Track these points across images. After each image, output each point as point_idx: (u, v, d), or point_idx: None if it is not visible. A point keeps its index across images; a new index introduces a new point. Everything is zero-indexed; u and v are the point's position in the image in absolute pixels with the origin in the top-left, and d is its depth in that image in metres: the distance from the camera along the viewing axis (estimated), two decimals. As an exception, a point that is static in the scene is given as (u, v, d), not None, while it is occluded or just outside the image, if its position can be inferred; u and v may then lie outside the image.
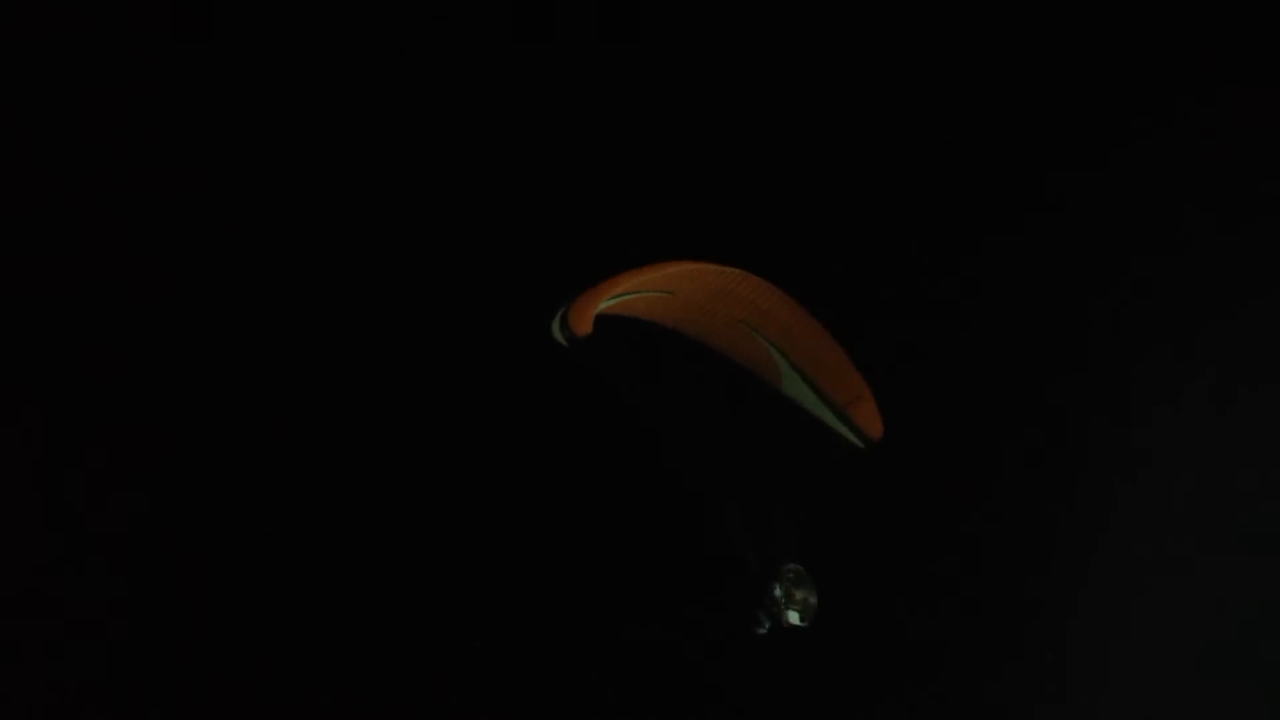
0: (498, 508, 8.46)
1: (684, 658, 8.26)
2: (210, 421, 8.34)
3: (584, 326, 7.45)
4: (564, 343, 7.52)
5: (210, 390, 8.37)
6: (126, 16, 8.44)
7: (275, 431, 8.33)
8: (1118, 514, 8.60)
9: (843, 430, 7.99)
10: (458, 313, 8.66)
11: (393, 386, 8.51)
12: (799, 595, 7.47)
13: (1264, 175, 8.74)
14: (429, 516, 8.41)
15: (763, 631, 7.44)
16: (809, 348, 8.02)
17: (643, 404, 7.71)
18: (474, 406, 8.57)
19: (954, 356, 8.85)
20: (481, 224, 8.74)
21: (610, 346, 7.55)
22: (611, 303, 7.58)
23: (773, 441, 7.94)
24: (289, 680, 8.11)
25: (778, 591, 7.47)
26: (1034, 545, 8.66)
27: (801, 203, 8.89)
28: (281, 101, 8.61)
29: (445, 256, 8.69)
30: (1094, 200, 8.80)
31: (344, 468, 8.46)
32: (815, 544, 7.61)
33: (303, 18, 8.57)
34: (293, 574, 8.22)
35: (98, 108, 8.47)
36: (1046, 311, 8.80)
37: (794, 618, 7.45)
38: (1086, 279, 8.79)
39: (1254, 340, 8.75)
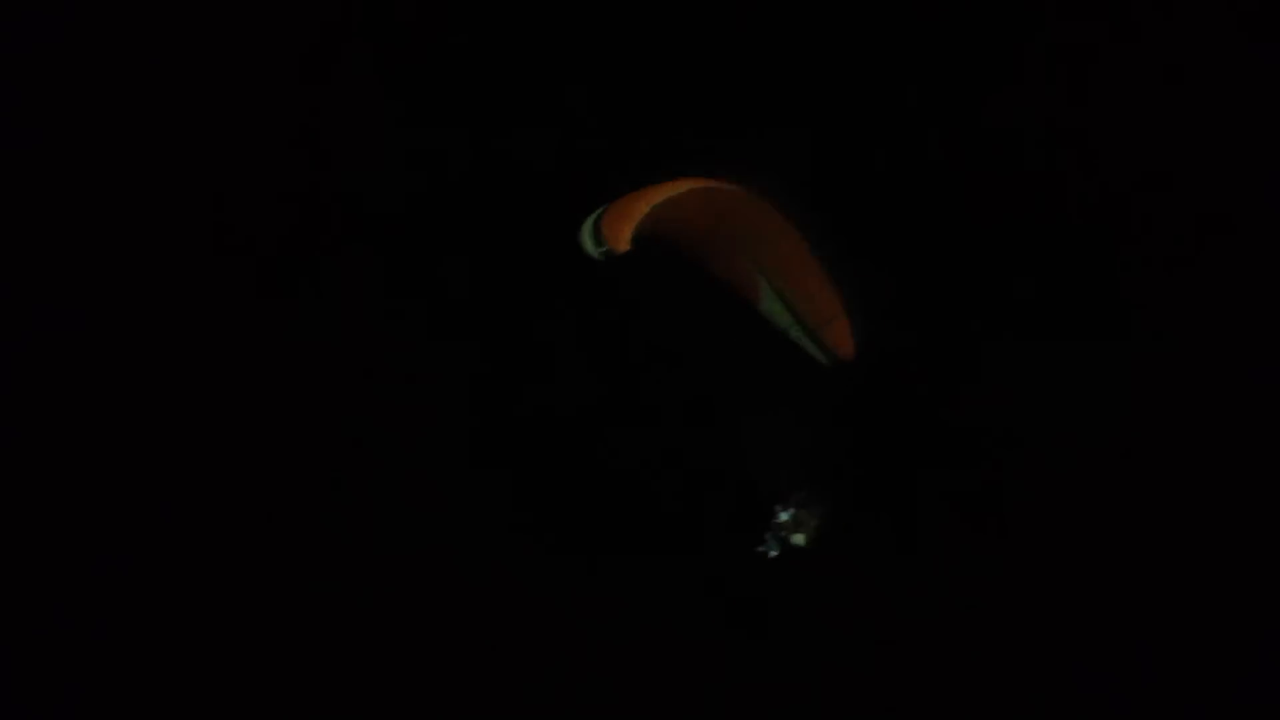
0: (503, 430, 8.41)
1: (695, 583, 8.41)
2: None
3: (622, 244, 7.42)
4: (598, 257, 7.46)
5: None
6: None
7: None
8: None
9: (811, 349, 8.26)
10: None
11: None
12: (805, 519, 7.77)
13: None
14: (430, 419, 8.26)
15: (773, 555, 7.71)
16: (790, 267, 8.23)
17: (652, 325, 7.76)
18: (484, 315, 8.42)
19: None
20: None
21: (637, 265, 7.53)
22: (643, 219, 7.55)
23: (756, 363, 8.14)
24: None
25: (784, 515, 7.75)
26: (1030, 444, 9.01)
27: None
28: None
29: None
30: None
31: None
32: (819, 467, 7.90)
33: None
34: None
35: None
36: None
37: (800, 540, 7.75)
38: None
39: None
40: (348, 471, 8.28)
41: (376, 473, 8.29)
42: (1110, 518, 8.77)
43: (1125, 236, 9.00)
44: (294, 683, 8.09)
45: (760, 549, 7.76)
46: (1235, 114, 8.94)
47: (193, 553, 8.17)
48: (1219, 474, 8.74)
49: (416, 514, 8.26)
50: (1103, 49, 8.87)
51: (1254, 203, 8.83)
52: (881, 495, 8.69)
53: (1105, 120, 8.92)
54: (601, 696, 8.21)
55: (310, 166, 8.36)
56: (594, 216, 7.57)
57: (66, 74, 8.28)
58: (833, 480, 7.99)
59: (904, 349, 8.96)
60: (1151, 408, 8.85)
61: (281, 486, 8.23)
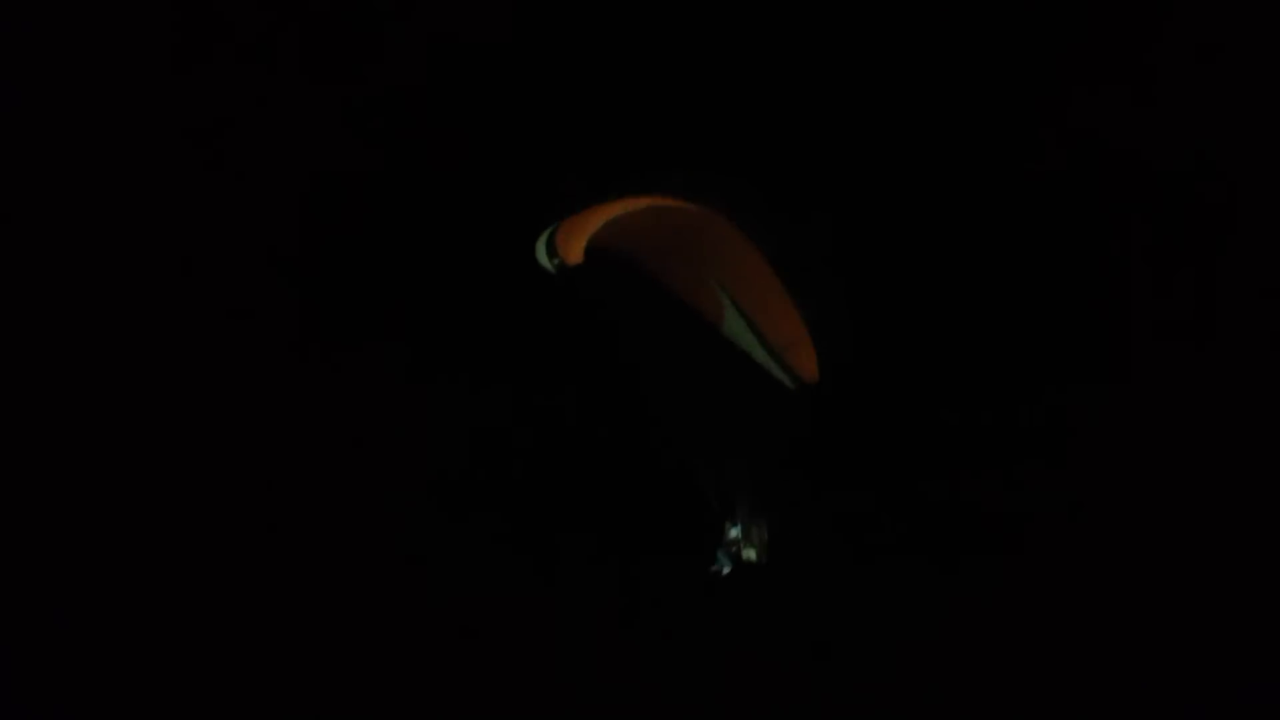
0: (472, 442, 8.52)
1: (648, 602, 8.45)
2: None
3: (575, 256, 7.51)
4: (551, 269, 7.55)
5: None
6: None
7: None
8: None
9: (775, 371, 8.30)
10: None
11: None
12: (755, 533, 7.78)
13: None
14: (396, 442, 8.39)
15: (725, 571, 7.72)
16: (755, 291, 8.30)
17: (604, 339, 7.83)
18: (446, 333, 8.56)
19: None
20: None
21: (591, 278, 7.61)
22: (599, 230, 7.64)
23: (718, 383, 8.18)
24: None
25: (734, 532, 7.76)
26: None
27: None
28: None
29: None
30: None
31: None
32: (770, 484, 7.91)
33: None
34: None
35: None
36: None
37: (751, 555, 7.75)
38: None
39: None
40: (310, 491, 8.40)
41: (323, 497, 8.39)
42: (1068, 534, 8.80)
43: (1101, 252, 9.05)
44: (273, 683, 8.18)
45: (713, 567, 7.78)
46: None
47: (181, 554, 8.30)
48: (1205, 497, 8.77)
49: (365, 537, 8.36)
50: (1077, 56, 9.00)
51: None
52: (838, 511, 8.72)
53: (1068, 139, 9.01)
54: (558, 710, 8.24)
55: (270, 184, 8.53)
56: (549, 231, 7.66)
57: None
58: (787, 496, 8.01)
59: (867, 372, 8.99)
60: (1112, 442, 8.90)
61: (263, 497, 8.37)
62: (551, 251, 7.59)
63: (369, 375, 8.49)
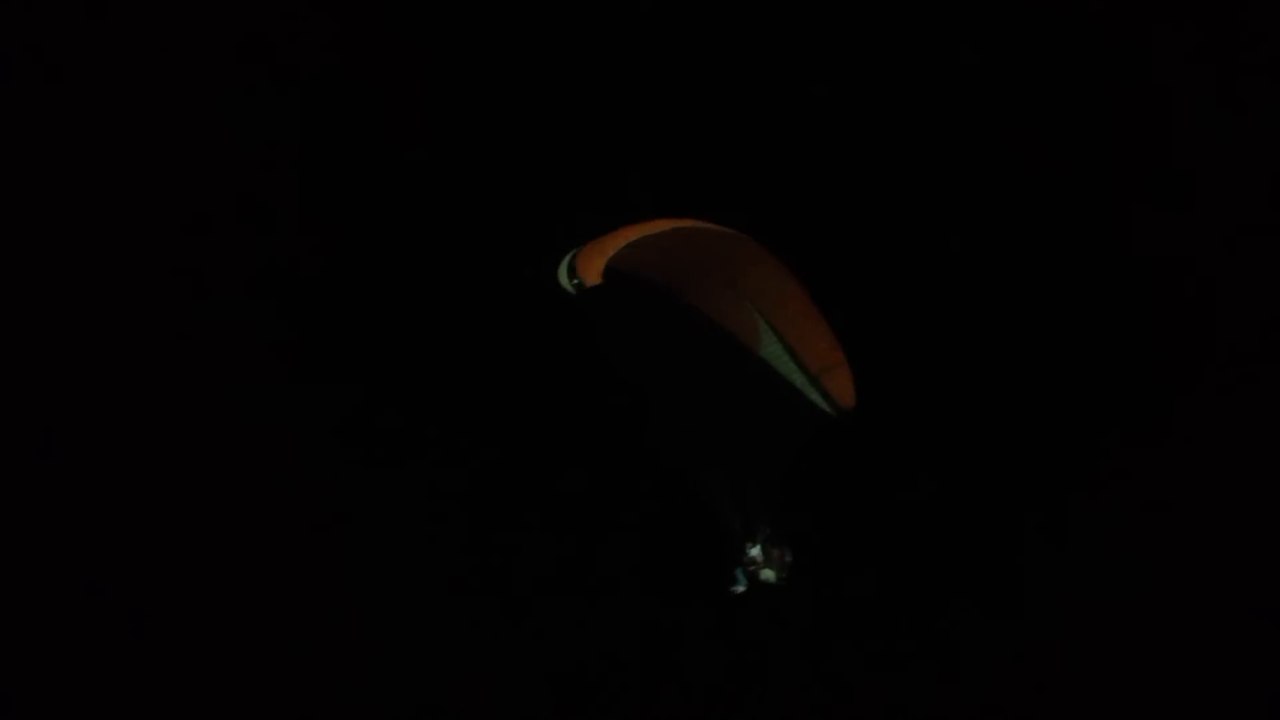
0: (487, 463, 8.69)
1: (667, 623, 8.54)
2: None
3: (594, 276, 7.63)
4: (571, 291, 7.68)
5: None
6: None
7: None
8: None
9: (814, 396, 8.30)
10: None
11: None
12: (775, 554, 7.78)
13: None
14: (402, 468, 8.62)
15: (741, 590, 7.74)
16: (791, 314, 8.31)
17: (633, 363, 7.91)
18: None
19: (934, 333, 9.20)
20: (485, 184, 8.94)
21: (613, 300, 7.72)
22: (617, 254, 7.74)
23: (752, 407, 8.20)
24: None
25: (755, 551, 7.78)
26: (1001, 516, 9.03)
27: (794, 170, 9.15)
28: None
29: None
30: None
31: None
32: (791, 507, 7.91)
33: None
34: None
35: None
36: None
37: (769, 576, 7.76)
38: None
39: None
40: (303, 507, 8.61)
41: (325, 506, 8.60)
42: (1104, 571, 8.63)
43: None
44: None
45: (731, 587, 7.80)
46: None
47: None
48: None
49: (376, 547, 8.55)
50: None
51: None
52: (865, 538, 8.68)
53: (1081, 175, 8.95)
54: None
55: (286, 201, 8.80)
56: (571, 253, 7.80)
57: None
58: (810, 519, 8.01)
59: (904, 399, 8.94)
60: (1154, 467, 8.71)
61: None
62: (572, 274, 7.73)
63: (385, 396, 8.71)
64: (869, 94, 9.14)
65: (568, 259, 7.80)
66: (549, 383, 8.79)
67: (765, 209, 8.89)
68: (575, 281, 7.69)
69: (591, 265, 7.72)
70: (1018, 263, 9.16)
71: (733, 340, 8.28)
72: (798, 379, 8.36)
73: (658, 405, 8.06)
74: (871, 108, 9.14)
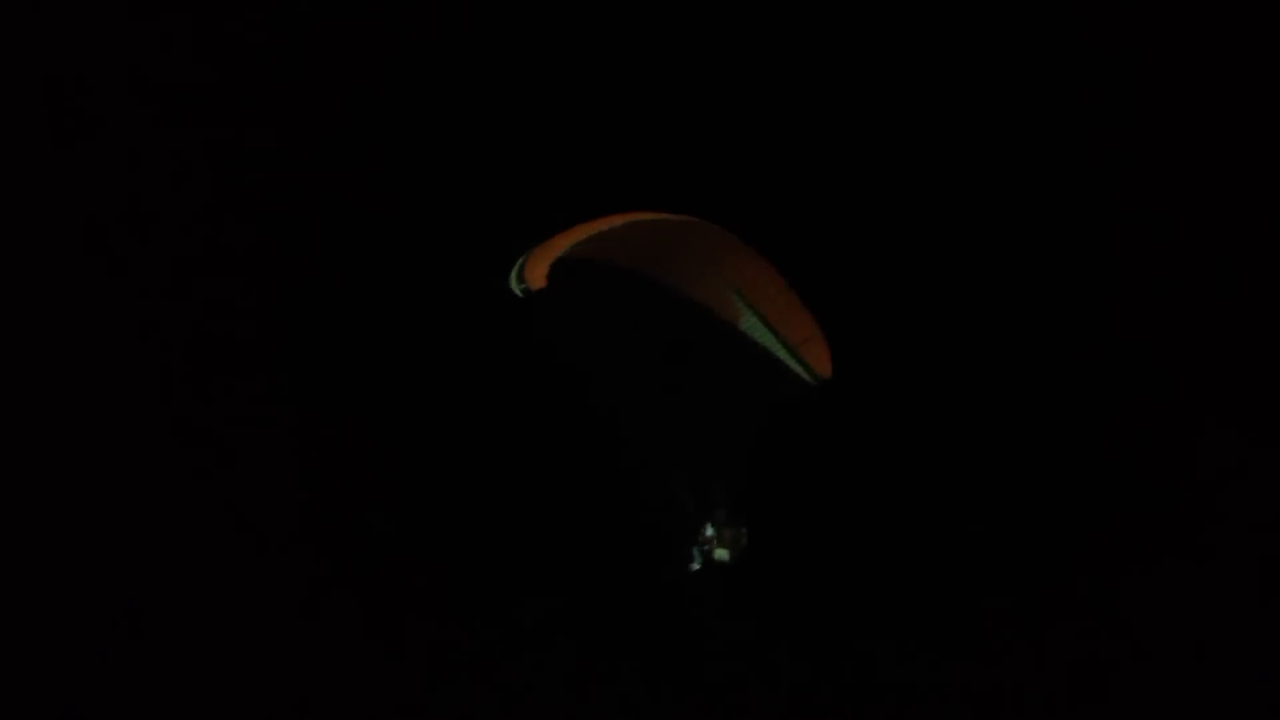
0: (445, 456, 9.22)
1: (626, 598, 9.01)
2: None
3: (539, 280, 8.06)
4: (519, 294, 8.15)
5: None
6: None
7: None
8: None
9: (794, 366, 8.52)
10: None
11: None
12: (728, 535, 8.17)
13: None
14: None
15: (696, 568, 8.17)
16: (766, 292, 8.53)
17: (595, 356, 8.31)
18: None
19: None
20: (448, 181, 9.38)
21: (566, 298, 8.13)
22: (568, 250, 8.12)
23: (729, 382, 8.50)
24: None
25: (709, 531, 8.18)
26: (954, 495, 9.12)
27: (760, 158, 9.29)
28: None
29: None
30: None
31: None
32: (745, 489, 8.24)
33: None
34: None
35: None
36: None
37: (722, 555, 8.16)
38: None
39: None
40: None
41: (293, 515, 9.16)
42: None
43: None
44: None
45: (689, 564, 8.22)
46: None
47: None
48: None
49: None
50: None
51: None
52: (827, 511, 8.87)
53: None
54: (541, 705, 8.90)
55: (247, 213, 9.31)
56: (522, 258, 8.24)
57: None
58: (772, 499, 8.32)
59: (878, 369, 9.01)
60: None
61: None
62: (520, 278, 8.18)
63: (339, 400, 9.27)
64: (827, 76, 9.16)
65: (518, 263, 8.25)
66: (506, 379, 9.25)
67: (728, 196, 9.07)
68: (522, 286, 8.14)
69: (537, 268, 8.15)
70: (986, 244, 9.10)
71: (710, 317, 8.56)
72: (780, 351, 8.60)
73: (622, 394, 8.45)
74: (829, 89, 9.17)
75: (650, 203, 8.41)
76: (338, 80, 9.23)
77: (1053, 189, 9.11)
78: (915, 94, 9.21)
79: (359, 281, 9.21)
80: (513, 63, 9.32)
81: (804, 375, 8.53)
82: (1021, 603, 8.82)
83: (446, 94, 9.30)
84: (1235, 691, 8.47)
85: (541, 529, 9.09)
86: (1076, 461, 9.03)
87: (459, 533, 9.07)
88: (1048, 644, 8.72)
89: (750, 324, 8.58)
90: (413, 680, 8.78)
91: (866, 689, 8.77)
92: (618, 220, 8.22)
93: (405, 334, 9.20)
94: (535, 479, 9.14)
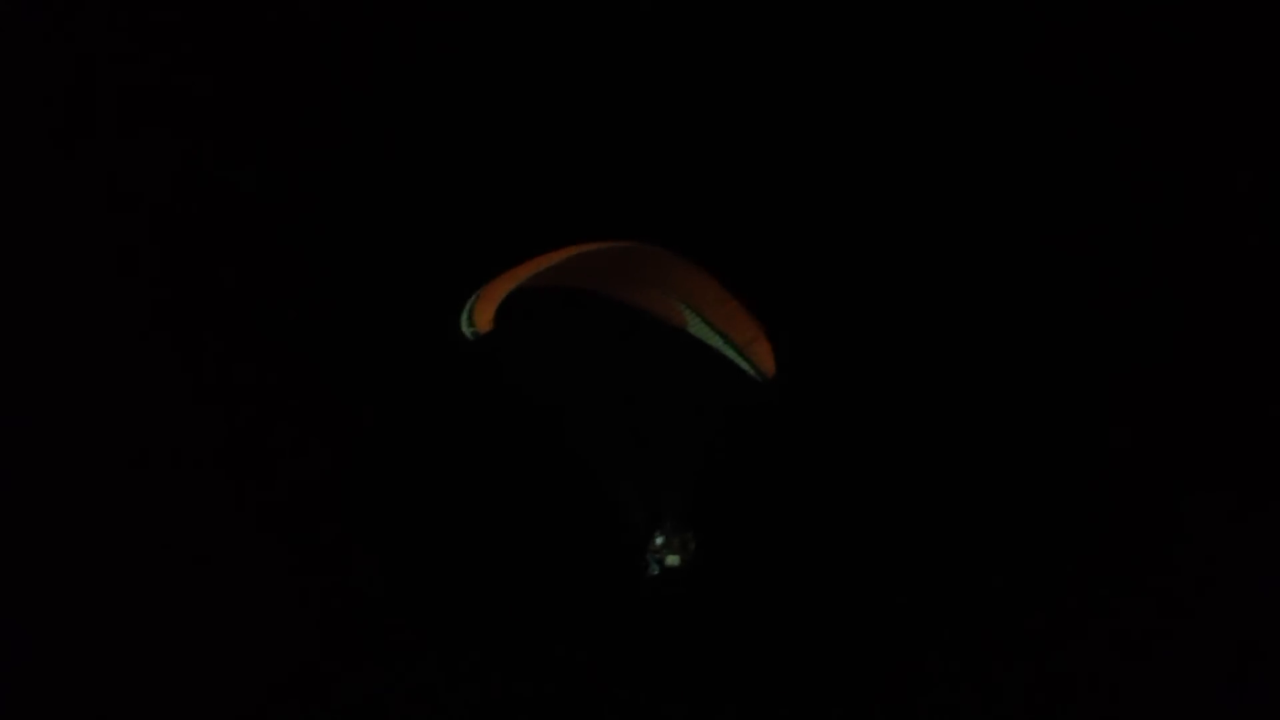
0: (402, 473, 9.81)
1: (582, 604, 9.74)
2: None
3: (485, 324, 8.64)
4: (470, 338, 8.74)
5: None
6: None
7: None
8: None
9: (743, 365, 9.06)
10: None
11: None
12: (676, 542, 8.88)
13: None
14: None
15: (655, 573, 8.92)
16: (709, 301, 9.02)
17: (541, 384, 8.90)
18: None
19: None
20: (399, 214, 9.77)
21: (512, 333, 8.70)
22: (513, 288, 8.64)
23: (682, 389, 9.07)
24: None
25: (659, 540, 8.90)
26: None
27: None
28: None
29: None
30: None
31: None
32: (693, 497, 8.90)
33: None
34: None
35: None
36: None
37: (673, 560, 8.89)
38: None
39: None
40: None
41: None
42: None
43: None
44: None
45: (646, 570, 8.98)
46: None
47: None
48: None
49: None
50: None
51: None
52: (784, 514, 9.46)
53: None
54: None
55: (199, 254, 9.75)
56: (471, 301, 8.80)
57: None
58: (719, 505, 8.97)
59: (820, 366, 9.45)
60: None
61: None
62: (470, 321, 8.77)
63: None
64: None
65: (468, 305, 8.82)
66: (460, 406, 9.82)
67: (663, 217, 9.44)
68: (471, 329, 8.74)
69: (485, 312, 8.72)
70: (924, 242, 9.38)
71: (660, 327, 9.09)
72: (729, 351, 9.12)
73: (577, 415, 9.05)
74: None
75: (589, 232, 8.88)
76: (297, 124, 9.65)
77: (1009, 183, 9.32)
78: (852, 93, 9.41)
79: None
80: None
81: (752, 373, 9.07)
82: (986, 604, 9.35)
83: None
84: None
85: (504, 541, 9.83)
86: (1041, 463, 9.45)
87: (416, 550, 9.80)
88: (1021, 653, 9.25)
89: (699, 329, 9.10)
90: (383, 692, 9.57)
91: (826, 688, 9.48)
92: (559, 254, 8.73)
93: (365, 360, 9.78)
94: (500, 497, 9.85)
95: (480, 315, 8.67)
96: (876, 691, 9.25)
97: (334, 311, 9.70)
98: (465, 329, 8.72)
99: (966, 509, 9.47)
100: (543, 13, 9.56)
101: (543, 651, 9.52)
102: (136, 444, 9.49)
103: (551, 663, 9.49)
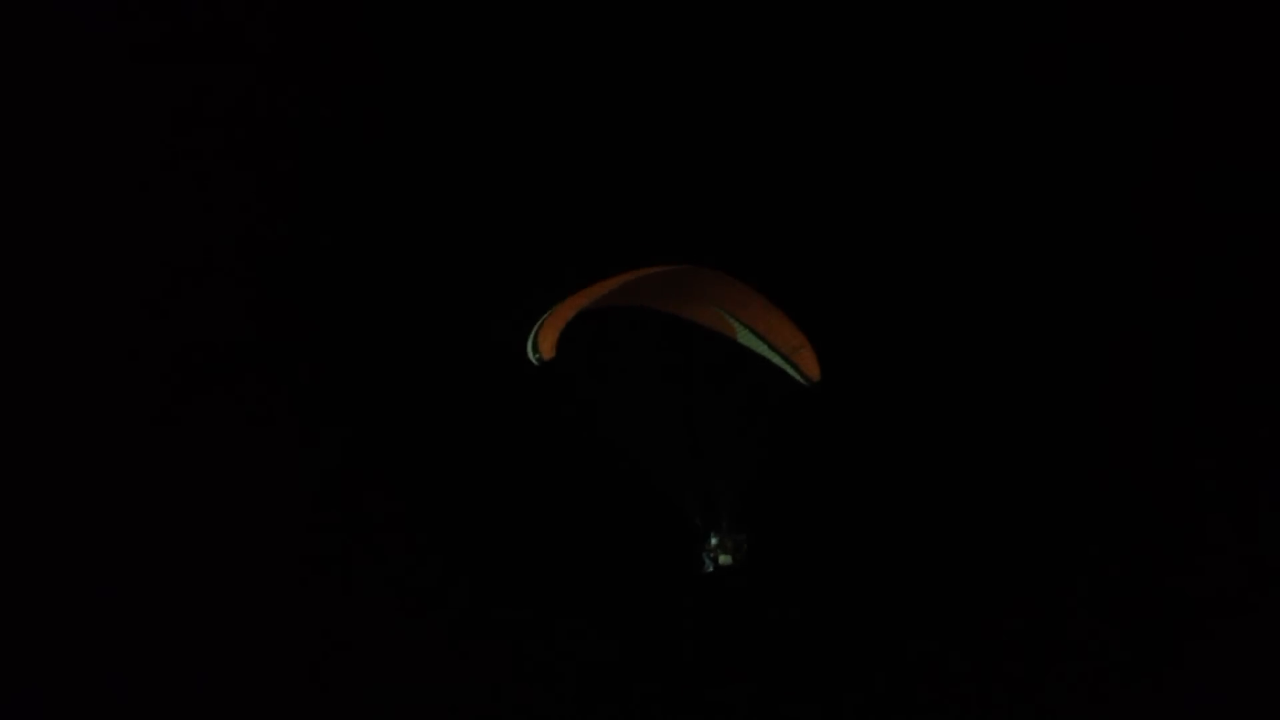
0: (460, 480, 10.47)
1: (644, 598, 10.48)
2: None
3: (549, 351, 9.33)
4: (535, 364, 9.44)
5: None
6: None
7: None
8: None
9: (790, 370, 9.74)
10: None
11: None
12: (729, 544, 9.67)
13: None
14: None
15: (710, 570, 9.71)
16: (756, 313, 9.67)
17: (605, 398, 9.60)
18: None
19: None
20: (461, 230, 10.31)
21: (575, 355, 9.39)
22: (575, 314, 9.31)
23: (734, 398, 9.77)
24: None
25: (714, 540, 9.68)
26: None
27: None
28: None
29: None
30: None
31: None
32: (748, 499, 9.64)
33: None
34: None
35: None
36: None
37: (726, 559, 9.68)
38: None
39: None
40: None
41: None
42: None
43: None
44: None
45: (702, 568, 9.78)
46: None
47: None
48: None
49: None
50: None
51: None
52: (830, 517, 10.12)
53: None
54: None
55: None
56: (536, 328, 9.48)
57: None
58: (770, 508, 9.72)
59: (863, 372, 10.06)
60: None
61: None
62: (535, 347, 9.47)
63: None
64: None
65: (533, 333, 9.50)
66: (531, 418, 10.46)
67: (712, 240, 10.01)
68: (537, 355, 9.44)
69: (547, 339, 9.41)
70: (962, 253, 9.85)
71: (714, 338, 9.75)
72: (775, 358, 9.78)
73: (639, 425, 9.75)
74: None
75: (645, 256, 9.52)
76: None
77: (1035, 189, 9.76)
78: (878, 111, 9.84)
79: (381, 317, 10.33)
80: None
81: (798, 378, 9.74)
82: (1019, 604, 9.97)
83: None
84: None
85: (569, 543, 10.57)
86: (1069, 460, 10.01)
87: (483, 549, 10.52)
88: (1052, 645, 9.83)
89: (747, 339, 9.76)
90: (434, 677, 10.25)
91: (869, 684, 10.21)
92: (615, 280, 9.37)
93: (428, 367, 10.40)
94: (565, 503, 10.59)
95: (544, 342, 9.36)
96: (908, 685, 9.96)
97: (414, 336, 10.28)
98: (531, 355, 9.40)
99: (998, 503, 10.11)
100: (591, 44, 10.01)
101: (604, 644, 10.25)
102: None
103: (609, 656, 10.23)
